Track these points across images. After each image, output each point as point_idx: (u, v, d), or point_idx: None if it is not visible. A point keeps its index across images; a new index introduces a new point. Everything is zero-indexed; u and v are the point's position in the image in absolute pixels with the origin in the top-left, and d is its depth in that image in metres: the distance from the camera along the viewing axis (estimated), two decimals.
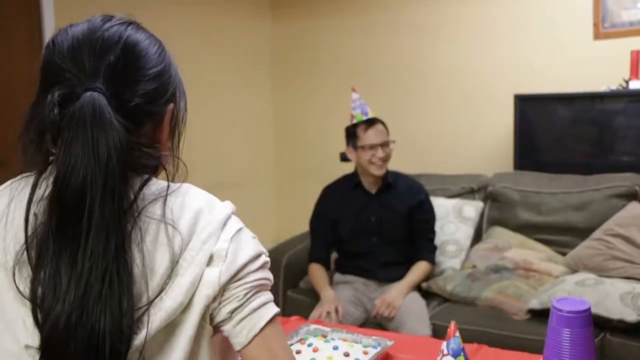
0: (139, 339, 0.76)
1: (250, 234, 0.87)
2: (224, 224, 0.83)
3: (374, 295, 2.56)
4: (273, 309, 0.86)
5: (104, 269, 0.74)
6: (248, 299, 0.83)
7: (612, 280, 2.31)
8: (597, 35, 3.19)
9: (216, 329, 0.84)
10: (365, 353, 1.56)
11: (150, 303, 0.77)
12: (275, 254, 2.89)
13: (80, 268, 0.74)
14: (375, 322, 2.50)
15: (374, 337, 1.63)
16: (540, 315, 2.26)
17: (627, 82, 2.96)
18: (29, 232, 0.77)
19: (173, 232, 0.79)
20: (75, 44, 0.81)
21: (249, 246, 0.85)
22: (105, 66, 0.80)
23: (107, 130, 0.76)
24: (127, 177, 0.78)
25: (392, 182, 2.61)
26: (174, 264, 0.78)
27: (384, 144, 2.51)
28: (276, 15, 4.33)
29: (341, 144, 3.54)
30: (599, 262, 2.44)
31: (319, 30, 4.14)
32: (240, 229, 0.85)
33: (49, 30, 2.87)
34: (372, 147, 2.50)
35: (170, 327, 0.79)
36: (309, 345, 1.61)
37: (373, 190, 2.60)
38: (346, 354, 1.54)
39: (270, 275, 0.88)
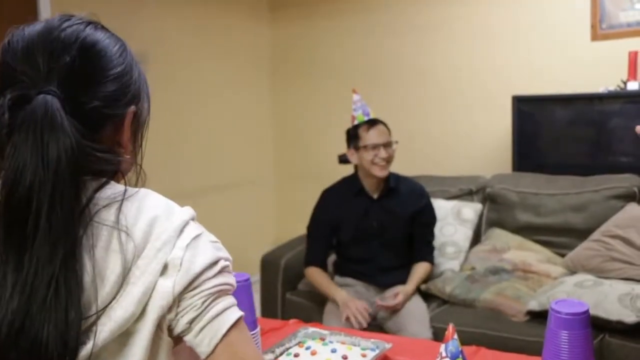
0: (86, 349, 0.73)
1: (210, 238, 0.83)
2: (181, 231, 0.80)
3: (374, 299, 2.55)
4: (235, 314, 0.82)
5: (49, 275, 0.71)
6: (206, 307, 0.79)
7: (610, 282, 2.31)
8: (595, 37, 3.19)
9: (179, 340, 0.81)
10: (364, 356, 1.55)
11: (99, 312, 0.74)
12: (273, 256, 2.88)
13: (26, 274, 0.71)
14: (375, 325, 2.49)
15: (372, 340, 1.62)
16: (539, 316, 2.25)
17: (625, 83, 2.96)
18: None
19: (126, 238, 0.76)
20: (30, 44, 0.79)
21: (205, 253, 0.80)
22: (60, 68, 0.78)
23: (57, 135, 0.73)
24: (79, 182, 0.76)
25: (394, 186, 2.59)
26: (125, 271, 0.75)
27: (387, 144, 2.49)
28: (275, 16, 4.33)
29: (340, 146, 3.53)
30: (597, 263, 2.44)
31: (318, 32, 4.14)
32: (198, 235, 0.81)
33: None
34: (375, 147, 2.48)
35: (124, 337, 0.76)
36: (307, 348, 1.61)
37: (375, 195, 2.58)
38: (344, 357, 1.54)
39: (231, 280, 0.83)
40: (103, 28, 0.86)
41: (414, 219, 2.61)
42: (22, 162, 0.72)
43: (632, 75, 2.94)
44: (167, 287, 0.76)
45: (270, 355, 1.59)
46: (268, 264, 2.86)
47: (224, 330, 0.80)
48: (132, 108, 0.86)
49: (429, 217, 2.66)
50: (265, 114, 4.41)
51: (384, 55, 3.88)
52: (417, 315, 2.41)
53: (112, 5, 3.18)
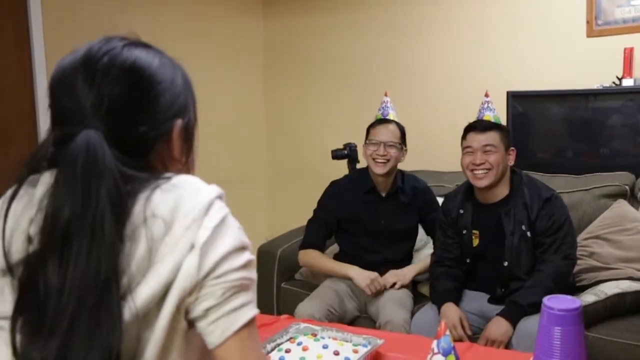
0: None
1: (236, 223, 0.84)
2: (207, 209, 0.80)
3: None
4: (251, 312, 0.82)
5: (92, 304, 0.73)
6: (226, 299, 0.79)
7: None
8: (591, 33, 3.18)
9: (191, 325, 0.81)
10: (355, 352, 1.54)
11: (127, 290, 0.75)
12: (269, 247, 2.89)
13: (66, 300, 0.73)
14: (368, 317, 2.51)
15: (364, 336, 1.62)
16: None
17: (620, 79, 2.95)
18: (23, 254, 0.77)
19: (152, 217, 0.77)
20: (70, 77, 0.80)
21: (233, 235, 0.81)
22: (102, 98, 0.79)
23: (99, 175, 0.75)
24: (122, 210, 0.77)
25: (401, 185, 2.63)
26: (152, 249, 0.76)
27: (389, 144, 2.51)
28: (267, 12, 4.31)
29: (333, 142, 3.53)
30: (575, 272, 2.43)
31: (311, 27, 4.12)
32: (225, 217, 0.81)
33: (37, 30, 2.85)
34: (376, 143, 2.51)
35: (146, 317, 0.77)
36: (299, 344, 1.60)
37: (384, 193, 2.61)
38: (336, 353, 1.53)
39: (253, 275, 0.84)
40: (140, 44, 0.86)
41: (420, 214, 2.66)
42: (61, 201, 0.74)
43: (627, 72, 2.93)
44: (192, 268, 0.77)
45: None
46: (264, 254, 2.87)
47: (238, 326, 0.80)
48: (179, 121, 0.87)
49: (436, 213, 2.65)
50: (258, 110, 4.39)
51: (379, 51, 3.86)
52: (397, 298, 2.43)
53: (101, 5, 3.16)
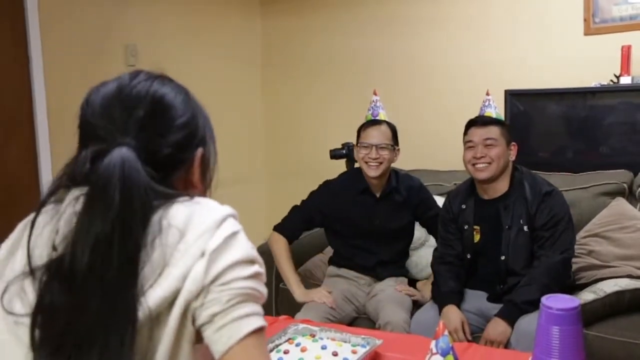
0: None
1: (248, 240, 0.87)
2: (221, 223, 0.84)
3: (367, 289, 2.57)
4: (258, 322, 0.83)
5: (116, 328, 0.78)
6: (232, 306, 0.81)
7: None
8: (588, 31, 3.18)
9: (199, 334, 0.83)
10: (354, 352, 1.54)
11: (140, 293, 0.79)
12: (267, 247, 2.86)
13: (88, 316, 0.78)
14: (366, 318, 2.50)
15: (362, 336, 1.61)
16: None
17: (617, 77, 2.95)
18: (46, 259, 0.83)
19: (168, 225, 0.82)
20: (106, 102, 0.88)
21: (243, 247, 0.85)
22: (135, 121, 0.86)
23: (132, 189, 0.81)
24: (146, 226, 0.82)
25: (395, 185, 2.61)
26: (166, 255, 0.80)
27: (380, 146, 2.48)
28: (265, 11, 4.30)
29: (331, 142, 3.52)
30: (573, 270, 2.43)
31: (310, 26, 4.11)
32: (236, 232, 0.85)
33: (33, 29, 2.84)
34: (367, 146, 2.49)
35: (155, 320, 0.80)
36: (297, 344, 1.60)
37: (378, 194, 2.59)
38: (334, 354, 1.53)
39: (262, 288, 0.87)
40: (169, 80, 0.95)
41: (416, 214, 2.64)
42: (95, 213, 0.80)
43: (624, 70, 2.93)
44: (200, 272, 0.80)
45: None
46: (263, 254, 2.84)
47: (242, 334, 0.81)
48: (200, 150, 0.95)
49: (434, 209, 2.64)
50: (256, 109, 4.38)
51: (377, 50, 3.86)
52: (397, 298, 2.42)
53: (98, 6, 3.15)
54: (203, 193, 0.97)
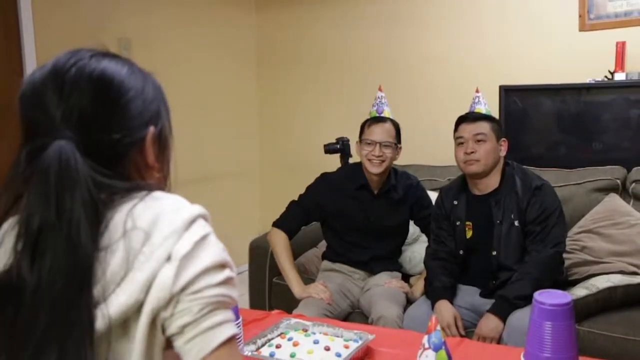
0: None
1: (218, 242, 0.82)
2: (189, 225, 0.78)
3: (362, 284, 2.57)
4: (229, 331, 0.79)
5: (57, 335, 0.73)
6: (203, 315, 0.77)
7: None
8: (583, 27, 3.18)
9: (169, 343, 0.79)
10: (346, 347, 1.54)
11: (102, 298, 0.74)
12: (261, 241, 2.87)
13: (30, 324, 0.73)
14: (360, 312, 2.50)
15: (355, 331, 1.61)
16: None
17: (612, 73, 2.95)
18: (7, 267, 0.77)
19: (132, 226, 0.76)
20: (39, 90, 0.79)
21: (214, 252, 0.79)
22: (72, 109, 0.78)
23: (72, 183, 0.75)
24: (96, 219, 0.76)
25: (394, 183, 2.60)
26: (129, 258, 0.75)
27: (384, 144, 2.48)
28: (260, 5, 4.29)
29: (326, 136, 3.52)
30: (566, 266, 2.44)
31: (305, 21, 4.10)
32: (206, 235, 0.80)
33: (27, 24, 2.82)
34: (371, 143, 2.48)
35: (124, 326, 0.76)
36: (289, 339, 1.59)
37: (376, 191, 2.58)
38: (327, 348, 1.53)
39: (234, 293, 0.81)
40: (108, 54, 0.85)
41: (412, 212, 2.64)
42: (33, 209, 0.74)
43: (619, 66, 2.93)
44: (168, 279, 0.75)
45: (252, 347, 1.57)
46: (256, 249, 2.86)
47: (214, 345, 0.77)
48: (152, 129, 0.86)
49: (429, 208, 2.64)
50: (251, 103, 4.37)
51: (371, 45, 3.85)
52: (391, 293, 2.42)
53: (90, 3, 3.13)
54: (162, 175, 0.89)
